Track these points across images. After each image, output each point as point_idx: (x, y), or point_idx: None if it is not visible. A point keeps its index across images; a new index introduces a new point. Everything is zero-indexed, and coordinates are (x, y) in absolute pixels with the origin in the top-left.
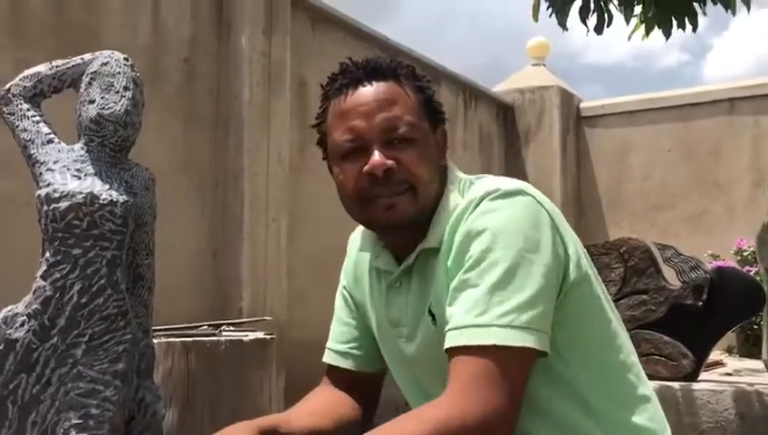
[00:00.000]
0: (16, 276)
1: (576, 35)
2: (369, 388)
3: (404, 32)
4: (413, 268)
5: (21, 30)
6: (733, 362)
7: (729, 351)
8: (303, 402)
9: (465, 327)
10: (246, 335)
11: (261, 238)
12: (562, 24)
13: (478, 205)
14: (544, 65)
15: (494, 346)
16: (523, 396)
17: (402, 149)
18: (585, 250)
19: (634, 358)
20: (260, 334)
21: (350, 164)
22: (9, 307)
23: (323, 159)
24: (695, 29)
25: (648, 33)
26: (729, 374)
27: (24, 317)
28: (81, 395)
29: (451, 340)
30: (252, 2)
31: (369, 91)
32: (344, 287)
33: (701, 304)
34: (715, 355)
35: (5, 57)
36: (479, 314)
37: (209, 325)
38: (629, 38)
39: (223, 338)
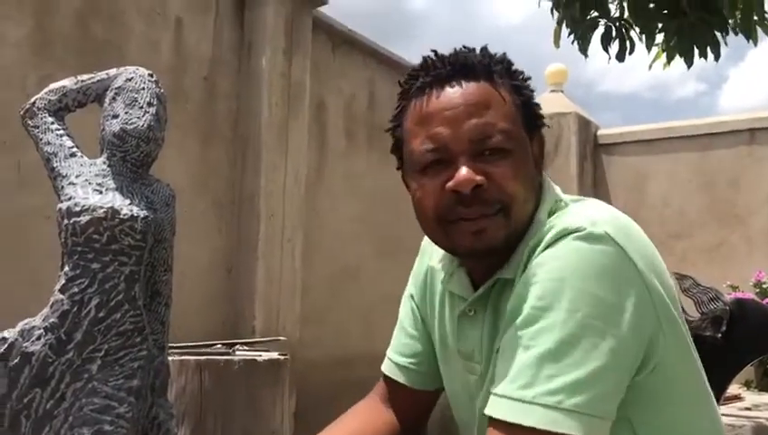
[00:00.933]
0: (38, 291)
1: (592, 63)
2: (422, 407)
3: (418, 59)
4: (488, 297)
5: (46, 47)
6: (751, 397)
7: (747, 385)
8: (339, 425)
9: (506, 398)
10: (260, 355)
11: (276, 257)
12: (584, 51)
13: (554, 243)
14: (562, 91)
15: (534, 429)
16: None
17: (494, 162)
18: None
19: None
20: (274, 355)
21: (431, 179)
22: (26, 320)
23: (397, 168)
24: (717, 58)
25: (669, 61)
26: (748, 409)
27: (41, 331)
28: (95, 411)
29: (490, 407)
30: (273, 23)
31: (456, 93)
32: (411, 296)
33: (720, 335)
34: (732, 389)
35: (30, 73)
36: (523, 386)
37: (223, 344)
38: (650, 67)
39: (236, 357)
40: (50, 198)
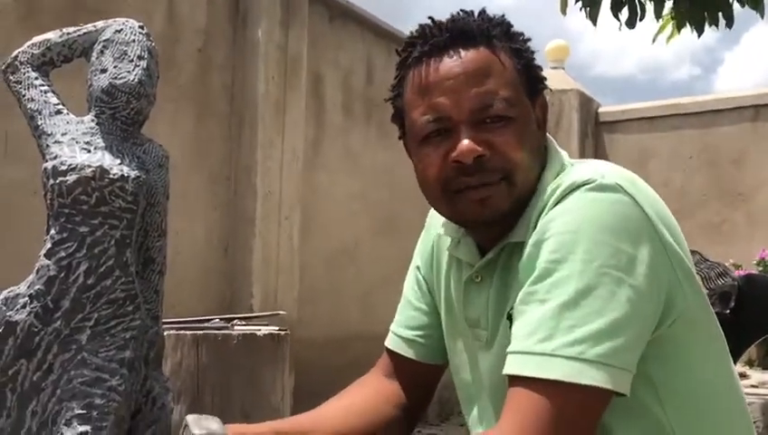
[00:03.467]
0: (25, 268)
1: (586, 46)
2: (427, 382)
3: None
4: (497, 262)
5: (34, 14)
6: (756, 375)
7: (750, 363)
8: (343, 396)
9: (525, 353)
10: (260, 330)
11: (273, 235)
12: (593, 19)
13: (564, 197)
14: (563, 69)
15: (557, 381)
16: None
17: (496, 130)
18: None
19: (747, 414)
20: (274, 329)
21: (433, 149)
22: (10, 288)
23: (399, 138)
24: (729, 25)
25: (679, 29)
26: (755, 386)
27: (26, 298)
28: (84, 384)
29: (510, 366)
30: None
31: (455, 62)
32: (417, 268)
33: (728, 312)
34: (737, 367)
35: (18, 42)
36: (543, 339)
37: (221, 319)
38: (654, 40)
39: (235, 332)
40: (37, 170)
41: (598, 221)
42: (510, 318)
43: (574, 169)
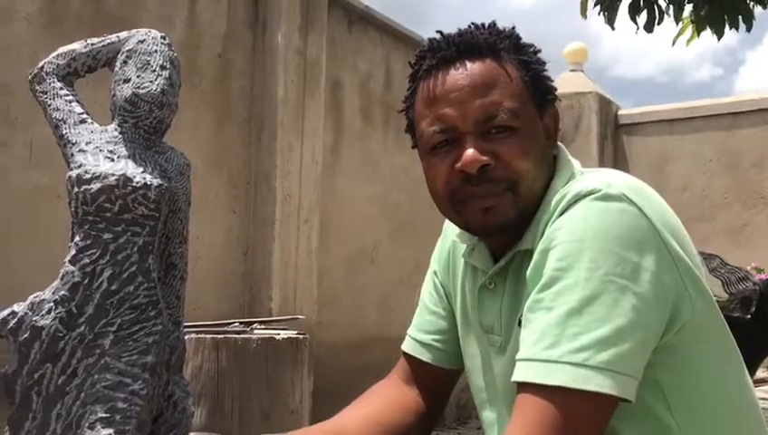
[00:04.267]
0: (50, 271)
1: (606, 48)
2: (443, 386)
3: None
4: (508, 269)
5: (58, 22)
6: None
7: None
8: (359, 404)
9: (532, 360)
10: (278, 334)
11: (292, 239)
12: (611, 22)
13: (570, 206)
14: (582, 71)
15: (563, 388)
16: None
17: (501, 140)
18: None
19: (761, 420)
20: (292, 333)
21: (440, 159)
22: (36, 293)
23: (412, 147)
24: (749, 28)
25: (698, 32)
26: None
27: (51, 304)
28: (107, 388)
29: (517, 373)
30: None
31: (461, 74)
32: (434, 273)
33: (749, 317)
34: (758, 373)
35: (42, 49)
36: (548, 346)
37: (240, 323)
38: (674, 43)
39: (254, 336)
40: (62, 176)
41: (603, 230)
42: (521, 324)
43: (582, 178)
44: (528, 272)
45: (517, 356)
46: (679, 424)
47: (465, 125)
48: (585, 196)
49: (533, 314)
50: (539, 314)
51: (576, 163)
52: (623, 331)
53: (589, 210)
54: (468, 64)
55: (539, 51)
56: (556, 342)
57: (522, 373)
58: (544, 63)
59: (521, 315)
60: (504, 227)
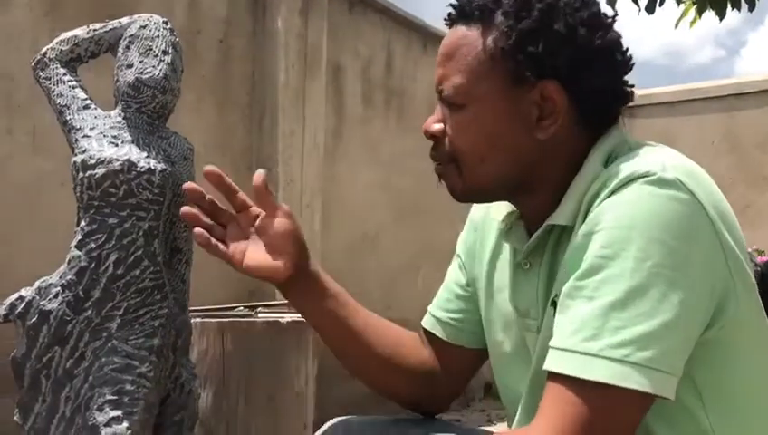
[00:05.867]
0: (53, 257)
1: None
2: (458, 365)
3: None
4: (544, 247)
5: (57, 8)
6: None
7: None
8: (394, 328)
9: (568, 351)
10: (283, 317)
11: None
12: (611, 4)
13: (620, 188)
14: None
15: (600, 383)
16: None
17: (452, 114)
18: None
19: None
20: (296, 316)
21: None
22: (43, 278)
23: None
24: (752, 8)
25: (700, 14)
26: None
27: (59, 288)
28: (115, 370)
29: (551, 362)
30: None
31: (446, 39)
32: (458, 256)
33: None
34: None
35: (42, 33)
36: (588, 338)
37: (245, 307)
38: (677, 25)
39: (259, 319)
40: (65, 162)
41: (654, 218)
42: (554, 305)
43: (635, 155)
44: (567, 253)
45: (551, 343)
46: (713, 423)
47: (437, 90)
48: (637, 178)
49: (573, 301)
50: (579, 301)
51: (625, 135)
52: (668, 327)
53: (640, 195)
54: (452, 30)
55: (550, 3)
56: (596, 334)
57: (556, 363)
58: (551, 30)
59: (555, 296)
60: (460, 198)
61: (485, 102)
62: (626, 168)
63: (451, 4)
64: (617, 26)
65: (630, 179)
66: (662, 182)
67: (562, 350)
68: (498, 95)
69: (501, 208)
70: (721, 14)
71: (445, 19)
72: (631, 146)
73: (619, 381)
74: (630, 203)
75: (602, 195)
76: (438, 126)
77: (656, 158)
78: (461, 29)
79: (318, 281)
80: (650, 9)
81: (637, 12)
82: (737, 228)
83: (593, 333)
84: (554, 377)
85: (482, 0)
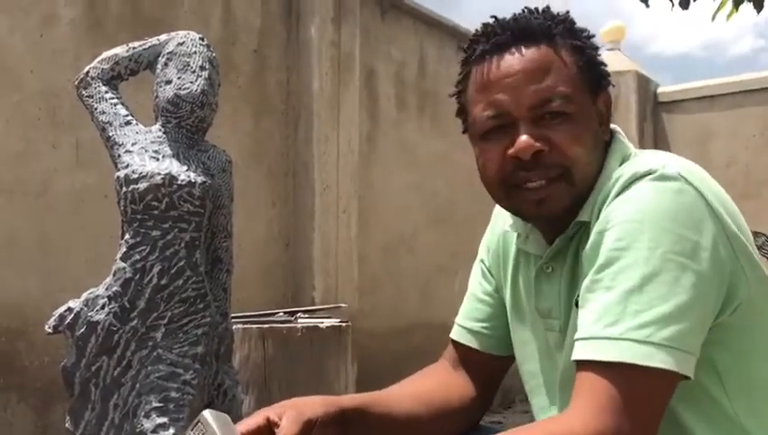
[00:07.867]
0: (97, 269)
1: (642, 25)
2: (492, 373)
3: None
4: (566, 252)
5: (98, 25)
6: None
7: None
8: (409, 382)
9: (593, 338)
10: (322, 322)
11: (332, 228)
12: (644, 0)
13: (626, 187)
14: (619, 50)
15: (626, 364)
16: (658, 427)
17: (555, 126)
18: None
19: None
20: (335, 321)
21: (493, 145)
22: (90, 290)
23: (463, 132)
24: None
25: (737, 7)
26: None
27: (105, 299)
28: (161, 378)
29: (578, 352)
30: None
31: (515, 60)
32: (482, 262)
33: None
34: None
35: (84, 51)
36: (610, 324)
37: (285, 312)
38: (714, 18)
39: (299, 325)
40: (108, 176)
41: (661, 210)
42: (578, 305)
43: (636, 159)
44: (585, 252)
45: (576, 336)
46: (734, 404)
47: (518, 111)
48: (642, 177)
49: (592, 294)
50: (598, 293)
51: (627, 142)
52: (684, 308)
53: (646, 191)
54: (523, 50)
55: (593, 36)
56: (618, 319)
57: (582, 352)
58: (597, 48)
59: (578, 296)
60: (558, 215)
61: (586, 110)
62: (630, 169)
63: (510, 27)
64: (655, 19)
65: (636, 178)
66: (665, 177)
67: (588, 338)
68: (589, 102)
69: (508, 219)
70: (759, 6)
71: (497, 43)
72: (637, 153)
73: (644, 360)
74: (638, 199)
75: (611, 195)
76: (541, 143)
77: (656, 158)
78: (533, 49)
79: (345, 415)
80: (684, 5)
81: (670, 7)
82: (740, 217)
83: (615, 318)
84: (583, 365)
85: (543, 22)
